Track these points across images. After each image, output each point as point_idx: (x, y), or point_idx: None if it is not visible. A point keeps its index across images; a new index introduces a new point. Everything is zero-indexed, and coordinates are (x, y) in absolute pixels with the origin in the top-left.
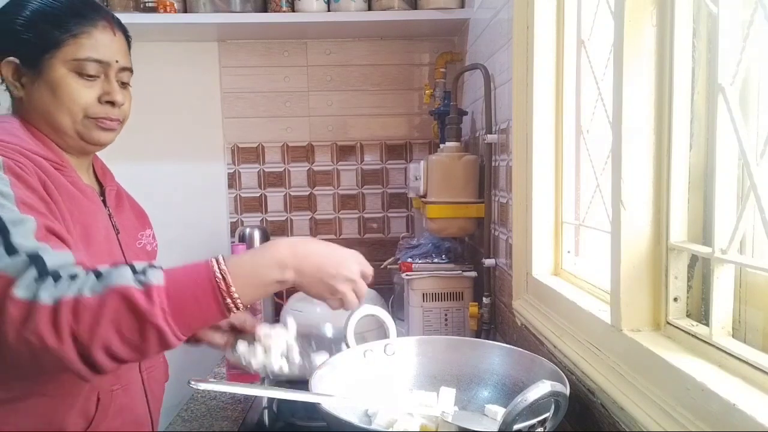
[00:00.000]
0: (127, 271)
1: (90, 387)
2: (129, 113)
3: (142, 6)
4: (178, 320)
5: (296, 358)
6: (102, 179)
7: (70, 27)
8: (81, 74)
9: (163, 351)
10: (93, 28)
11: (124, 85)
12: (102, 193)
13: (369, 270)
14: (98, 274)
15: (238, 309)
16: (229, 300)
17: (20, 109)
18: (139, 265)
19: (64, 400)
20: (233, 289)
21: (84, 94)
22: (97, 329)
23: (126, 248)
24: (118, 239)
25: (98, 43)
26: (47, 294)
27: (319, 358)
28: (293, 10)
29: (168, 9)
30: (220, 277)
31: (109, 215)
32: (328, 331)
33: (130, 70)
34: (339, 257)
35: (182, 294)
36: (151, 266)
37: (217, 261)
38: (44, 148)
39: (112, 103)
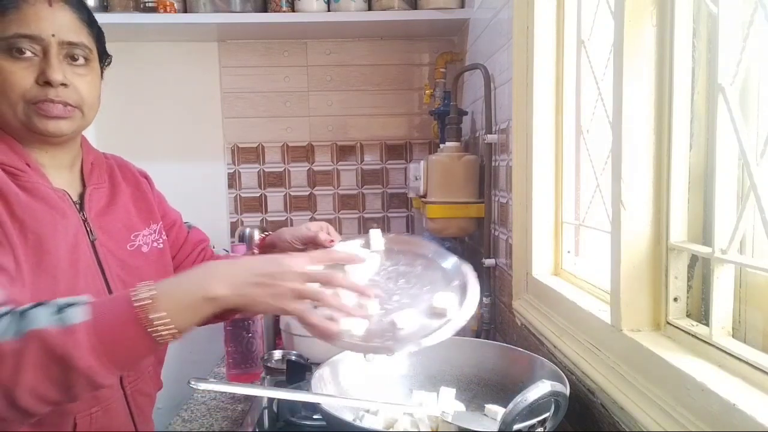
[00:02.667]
0: (45, 310)
1: (63, 412)
2: (89, 97)
3: (142, 6)
4: (104, 357)
5: (373, 307)
6: (87, 178)
7: None
8: (11, 53)
9: (96, 390)
10: (22, 1)
11: (75, 60)
12: (83, 196)
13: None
14: (20, 316)
15: (171, 337)
16: (157, 326)
17: None
18: (61, 301)
19: (28, 427)
20: (156, 316)
21: (19, 77)
22: (21, 375)
23: (105, 254)
24: (93, 246)
25: (28, 18)
26: None
27: (402, 319)
28: (293, 10)
29: (168, 9)
30: (142, 301)
31: (85, 220)
32: None
33: (83, 45)
34: (275, 256)
35: (105, 329)
36: (74, 303)
37: (141, 288)
38: (6, 149)
39: (51, 85)
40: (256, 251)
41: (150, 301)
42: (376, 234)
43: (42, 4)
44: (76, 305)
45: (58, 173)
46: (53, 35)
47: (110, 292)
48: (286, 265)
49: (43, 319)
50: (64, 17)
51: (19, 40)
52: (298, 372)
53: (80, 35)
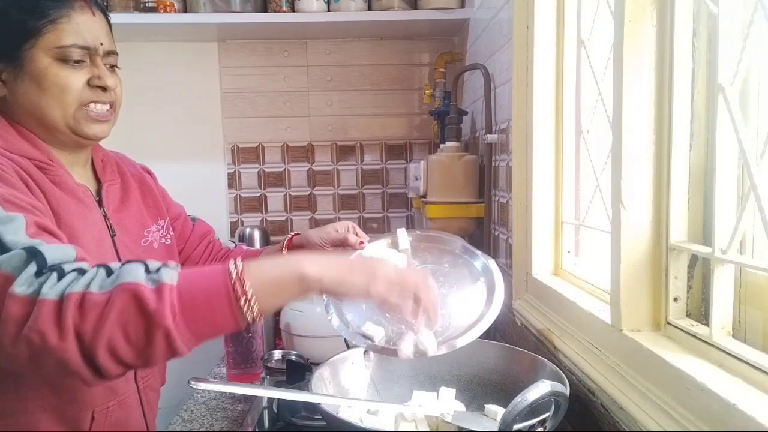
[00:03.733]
0: (140, 268)
1: (83, 405)
2: (121, 97)
3: (142, 6)
4: (188, 323)
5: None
6: (101, 175)
7: (47, 12)
8: (66, 61)
9: (170, 357)
10: (71, 10)
11: (112, 68)
12: (99, 192)
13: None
14: (108, 271)
15: (254, 317)
16: (243, 302)
17: (5, 108)
18: (153, 263)
19: (49, 418)
20: (248, 288)
21: (73, 81)
22: (103, 328)
23: (123, 251)
24: (113, 242)
25: (80, 27)
26: (51, 289)
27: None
28: (293, 10)
29: (168, 9)
30: (235, 277)
31: (105, 216)
32: (328, 330)
33: (116, 52)
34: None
35: (195, 296)
36: (166, 265)
37: (235, 262)
38: (30, 146)
39: (103, 89)
40: (284, 251)
41: (238, 270)
42: (402, 233)
43: (87, 13)
44: (168, 267)
45: (75, 170)
46: (101, 44)
47: None
48: (384, 262)
49: (137, 274)
50: (103, 26)
51: (76, 50)
52: (298, 372)
53: (113, 43)
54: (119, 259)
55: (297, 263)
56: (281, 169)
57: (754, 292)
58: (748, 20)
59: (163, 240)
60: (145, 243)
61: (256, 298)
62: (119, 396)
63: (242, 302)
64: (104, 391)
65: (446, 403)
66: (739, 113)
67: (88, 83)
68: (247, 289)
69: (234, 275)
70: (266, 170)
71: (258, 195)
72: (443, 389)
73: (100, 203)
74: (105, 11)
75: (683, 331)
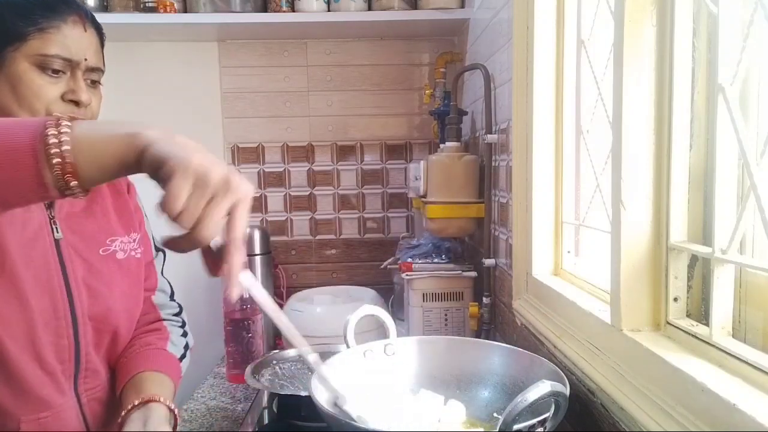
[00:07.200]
0: None
1: (7, 415)
2: (98, 113)
3: (142, 6)
4: None
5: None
6: None
7: (38, 20)
8: (45, 70)
9: None
10: (62, 22)
11: (93, 83)
12: None
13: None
14: None
15: (62, 176)
16: (54, 152)
17: None
18: None
19: None
20: (59, 131)
21: (47, 90)
22: None
23: (70, 254)
24: (57, 243)
25: (67, 40)
26: None
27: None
28: (293, 10)
29: (168, 9)
30: (52, 124)
31: (52, 218)
32: (328, 330)
33: (101, 69)
34: None
35: None
36: None
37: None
38: None
39: (76, 103)
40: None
41: (54, 120)
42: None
43: (79, 28)
44: None
45: None
46: (85, 59)
47: (69, 291)
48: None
49: None
50: (93, 42)
51: (57, 60)
52: None
53: (100, 60)
54: (60, 261)
55: (131, 122)
56: (281, 169)
57: (754, 292)
58: (748, 20)
59: (134, 253)
60: (105, 252)
61: (69, 149)
62: (53, 408)
63: (48, 151)
64: (34, 402)
65: (449, 412)
66: (739, 113)
67: (63, 97)
68: (54, 136)
69: (50, 122)
70: (266, 170)
71: (258, 195)
72: (452, 401)
73: (52, 205)
74: (100, 29)
75: (683, 331)
